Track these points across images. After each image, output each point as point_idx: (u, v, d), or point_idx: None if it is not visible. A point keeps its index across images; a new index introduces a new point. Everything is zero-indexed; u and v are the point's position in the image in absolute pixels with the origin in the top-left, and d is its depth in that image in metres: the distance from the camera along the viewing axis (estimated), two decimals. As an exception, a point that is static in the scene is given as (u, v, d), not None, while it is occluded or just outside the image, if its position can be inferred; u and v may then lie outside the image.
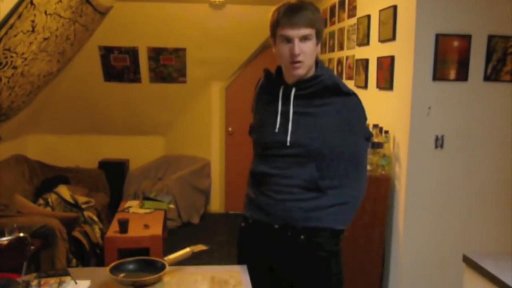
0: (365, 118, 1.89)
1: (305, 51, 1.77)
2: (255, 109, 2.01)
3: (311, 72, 1.84)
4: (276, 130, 1.85)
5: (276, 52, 1.84)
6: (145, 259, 1.92)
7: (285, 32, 1.76)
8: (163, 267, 1.82)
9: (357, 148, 1.86)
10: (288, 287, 1.94)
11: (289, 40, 1.77)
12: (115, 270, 1.79)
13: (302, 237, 1.82)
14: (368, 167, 3.10)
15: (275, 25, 1.80)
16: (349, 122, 1.82)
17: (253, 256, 1.95)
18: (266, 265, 1.93)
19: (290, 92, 1.84)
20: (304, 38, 1.76)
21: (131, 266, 1.86)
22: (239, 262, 1.98)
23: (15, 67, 3.48)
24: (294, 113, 1.83)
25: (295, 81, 1.84)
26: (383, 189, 3.08)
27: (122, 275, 1.78)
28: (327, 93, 1.81)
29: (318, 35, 1.80)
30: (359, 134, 1.86)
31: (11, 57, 3.28)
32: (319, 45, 1.84)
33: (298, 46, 1.76)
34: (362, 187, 1.90)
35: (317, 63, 1.86)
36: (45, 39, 3.55)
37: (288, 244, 1.85)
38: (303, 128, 1.82)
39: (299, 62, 1.77)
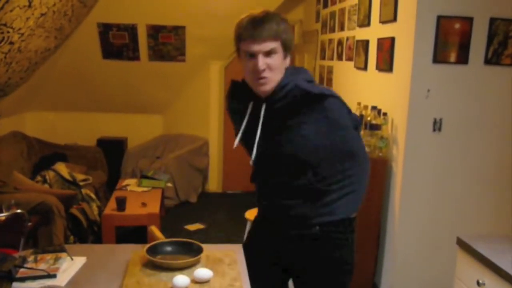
0: (348, 111, 1.76)
1: (271, 66, 1.67)
2: (231, 119, 1.95)
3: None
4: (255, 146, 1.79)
5: (242, 67, 1.75)
6: (182, 241, 1.91)
7: (248, 47, 1.66)
8: (199, 249, 1.81)
9: (346, 143, 1.77)
10: (295, 278, 1.94)
11: (252, 55, 1.66)
12: (151, 251, 1.80)
13: (317, 228, 1.79)
14: (366, 149, 3.10)
15: (238, 39, 1.69)
16: (331, 122, 1.70)
17: (262, 246, 1.95)
18: (272, 258, 1.93)
19: (261, 109, 1.75)
20: (269, 53, 1.65)
21: (169, 248, 1.87)
22: (246, 251, 1.95)
23: (11, 43, 3.44)
24: (270, 129, 1.74)
25: (265, 95, 1.74)
26: (380, 171, 3.09)
27: (159, 256, 1.79)
28: (300, 102, 1.69)
29: (286, 47, 1.69)
30: (345, 129, 1.75)
31: (8, 32, 3.25)
32: (288, 58, 1.73)
33: (263, 61, 1.65)
34: (363, 172, 1.85)
35: (287, 69, 1.74)
36: (42, 14, 3.50)
37: (300, 236, 1.82)
38: (283, 142, 1.73)
39: (264, 78, 1.68)
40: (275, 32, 1.64)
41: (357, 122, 1.83)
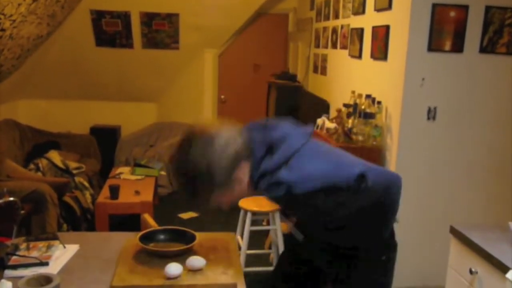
0: (320, 181, 1.46)
1: (222, 203, 1.53)
2: None
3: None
4: None
5: None
6: (175, 229, 1.92)
7: None
8: (192, 238, 1.82)
9: (336, 216, 1.54)
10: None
11: None
12: (144, 239, 1.80)
13: (347, 250, 1.64)
14: (360, 138, 3.11)
15: None
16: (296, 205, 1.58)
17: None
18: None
19: None
20: None
21: (162, 236, 1.87)
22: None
23: (3, 29, 3.40)
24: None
25: None
26: (373, 159, 3.08)
27: (152, 244, 1.80)
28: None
29: (222, 185, 1.43)
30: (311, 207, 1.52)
31: (-1, 18, 3.21)
32: (241, 169, 1.44)
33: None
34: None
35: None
36: (34, 1, 3.46)
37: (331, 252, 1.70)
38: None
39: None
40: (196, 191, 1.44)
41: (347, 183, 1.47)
